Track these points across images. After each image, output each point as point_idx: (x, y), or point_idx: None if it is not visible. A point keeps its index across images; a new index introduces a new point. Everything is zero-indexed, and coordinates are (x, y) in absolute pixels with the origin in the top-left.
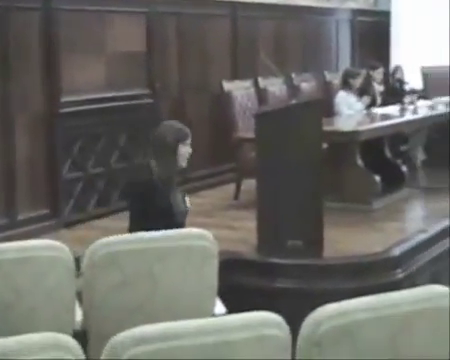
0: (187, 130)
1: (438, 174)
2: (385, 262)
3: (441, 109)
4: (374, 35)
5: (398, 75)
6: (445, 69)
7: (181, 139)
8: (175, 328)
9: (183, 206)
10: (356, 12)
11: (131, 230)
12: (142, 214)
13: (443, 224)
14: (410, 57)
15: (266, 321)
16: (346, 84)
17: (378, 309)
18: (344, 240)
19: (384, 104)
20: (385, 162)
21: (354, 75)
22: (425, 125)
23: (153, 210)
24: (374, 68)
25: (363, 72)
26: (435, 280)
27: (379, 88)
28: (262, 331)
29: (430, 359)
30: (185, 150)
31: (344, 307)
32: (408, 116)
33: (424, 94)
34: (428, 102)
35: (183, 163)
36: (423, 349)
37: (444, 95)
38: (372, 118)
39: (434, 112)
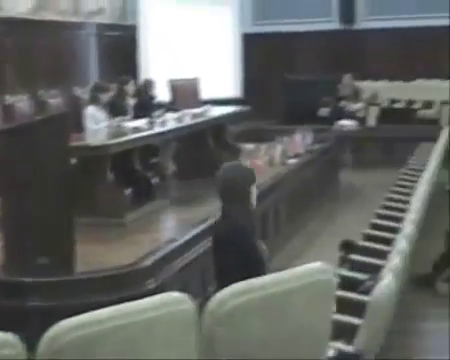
0: None
1: (187, 185)
2: (137, 273)
3: (188, 121)
4: (122, 49)
5: (149, 88)
6: (193, 82)
7: (255, 179)
8: None
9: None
10: (103, 26)
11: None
12: (245, 266)
13: (193, 233)
14: (159, 70)
15: None
16: (95, 99)
17: (119, 318)
18: (98, 255)
19: (136, 117)
20: (135, 175)
21: (103, 89)
22: (174, 137)
23: (254, 260)
24: (125, 82)
25: (113, 86)
26: (186, 287)
27: (131, 102)
28: None
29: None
30: (255, 190)
31: (84, 319)
32: (157, 129)
33: (173, 106)
34: (176, 114)
35: (254, 203)
36: (162, 351)
37: (192, 107)
38: (122, 132)
39: (182, 124)
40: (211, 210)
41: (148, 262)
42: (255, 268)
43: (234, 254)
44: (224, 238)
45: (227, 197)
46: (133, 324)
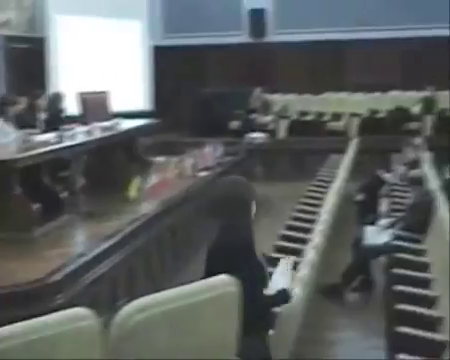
0: None
1: (97, 198)
2: (46, 288)
3: (98, 134)
4: (31, 61)
5: (58, 102)
6: (102, 95)
7: (255, 194)
8: None
9: None
10: (10, 39)
11: (254, 297)
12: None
13: (102, 247)
14: (69, 83)
15: None
16: (2, 112)
17: (24, 334)
18: (5, 270)
19: (46, 131)
20: (44, 189)
21: (11, 102)
22: (83, 151)
23: (257, 272)
24: (37, 96)
25: (21, 99)
26: (95, 301)
27: (43, 116)
28: None
29: None
30: (254, 205)
31: None
32: (66, 142)
33: (83, 120)
34: (86, 128)
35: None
36: None
37: (102, 120)
38: (30, 145)
39: (92, 137)
40: (121, 224)
41: (57, 277)
42: (260, 280)
43: (240, 266)
44: (229, 252)
45: (239, 214)
46: (38, 340)
